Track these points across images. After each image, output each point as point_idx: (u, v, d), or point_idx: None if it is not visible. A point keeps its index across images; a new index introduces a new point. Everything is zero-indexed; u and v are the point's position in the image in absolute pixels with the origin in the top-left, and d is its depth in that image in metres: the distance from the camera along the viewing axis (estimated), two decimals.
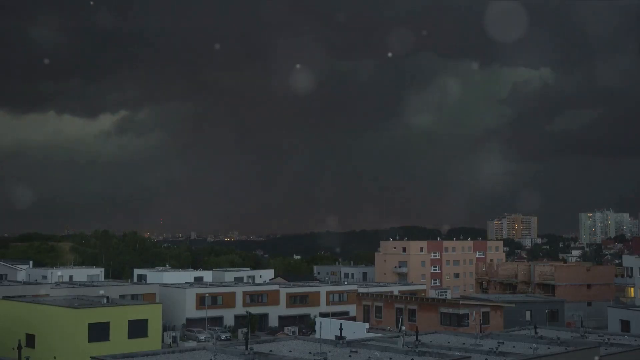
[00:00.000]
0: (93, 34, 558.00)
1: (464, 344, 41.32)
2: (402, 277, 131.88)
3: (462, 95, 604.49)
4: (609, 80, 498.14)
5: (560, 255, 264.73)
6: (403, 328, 57.27)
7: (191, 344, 74.08)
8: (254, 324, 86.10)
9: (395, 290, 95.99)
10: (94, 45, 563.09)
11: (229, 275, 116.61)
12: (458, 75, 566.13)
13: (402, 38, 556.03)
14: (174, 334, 78.57)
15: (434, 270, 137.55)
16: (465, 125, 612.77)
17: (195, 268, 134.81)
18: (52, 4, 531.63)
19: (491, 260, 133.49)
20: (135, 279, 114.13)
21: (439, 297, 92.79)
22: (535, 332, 45.07)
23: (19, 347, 46.13)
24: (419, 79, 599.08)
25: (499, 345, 39.40)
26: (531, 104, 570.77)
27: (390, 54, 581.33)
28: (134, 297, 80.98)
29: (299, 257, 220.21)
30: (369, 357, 35.14)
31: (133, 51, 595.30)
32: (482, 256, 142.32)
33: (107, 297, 63.25)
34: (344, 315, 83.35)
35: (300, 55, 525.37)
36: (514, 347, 40.29)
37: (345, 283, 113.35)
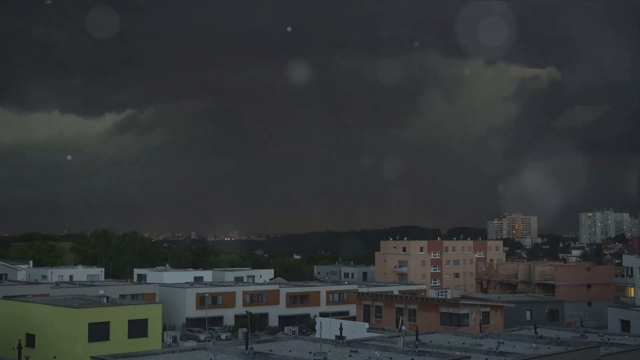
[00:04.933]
0: (98, 32, 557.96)
1: (464, 343, 41.34)
2: (402, 277, 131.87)
3: (466, 94, 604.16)
4: (614, 78, 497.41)
5: (560, 255, 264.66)
6: (403, 328, 57.28)
7: (191, 343, 74.11)
8: (254, 324, 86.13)
9: (395, 290, 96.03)
10: (98, 44, 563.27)
11: (229, 275, 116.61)
12: (462, 74, 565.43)
13: (407, 36, 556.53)
14: (174, 334, 78.55)
15: (434, 270, 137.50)
16: (468, 124, 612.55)
17: (195, 268, 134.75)
18: (56, 3, 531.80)
19: (491, 260, 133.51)
20: (135, 279, 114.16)
21: (439, 297, 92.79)
22: (535, 332, 45.10)
23: (19, 347, 46.16)
24: (422, 78, 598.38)
25: (499, 345, 39.43)
26: (535, 102, 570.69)
27: (393, 53, 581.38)
28: (134, 297, 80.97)
29: (299, 257, 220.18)
30: (369, 357, 35.15)
31: (138, 50, 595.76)
32: (482, 256, 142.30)
33: (107, 297, 63.15)
34: (344, 315, 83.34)
35: (304, 53, 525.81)
36: (514, 347, 40.32)
37: (345, 283, 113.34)
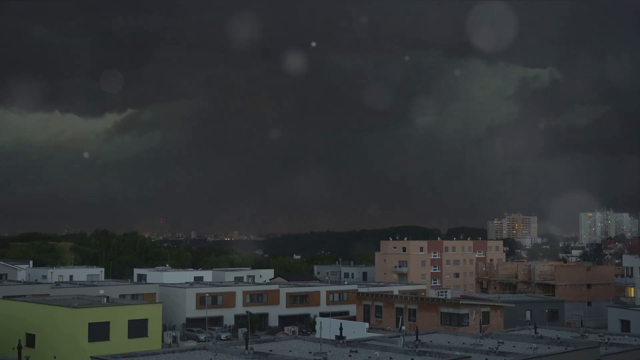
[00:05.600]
0: (99, 32, 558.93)
1: (464, 344, 41.34)
2: (402, 277, 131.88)
3: (466, 94, 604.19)
4: (614, 78, 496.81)
5: (560, 255, 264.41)
6: (403, 328, 57.29)
7: (191, 343, 74.06)
8: (254, 324, 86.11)
9: (395, 290, 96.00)
10: (99, 43, 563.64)
11: (229, 275, 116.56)
12: (463, 74, 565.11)
13: (407, 35, 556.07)
14: (174, 334, 78.58)
15: (434, 270, 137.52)
16: (468, 124, 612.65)
17: (195, 268, 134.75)
18: (57, 3, 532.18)
19: (491, 260, 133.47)
20: (135, 279, 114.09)
21: (439, 297, 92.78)
22: (535, 332, 45.10)
23: (19, 347, 46.12)
24: (422, 78, 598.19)
25: (499, 345, 39.44)
26: (536, 102, 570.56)
27: (393, 52, 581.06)
28: (134, 296, 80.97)
29: (299, 257, 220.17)
30: (369, 357, 35.14)
31: (139, 50, 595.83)
32: (482, 256, 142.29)
33: (107, 297, 63.21)
34: (344, 315, 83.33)
35: (303, 53, 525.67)
36: (514, 347, 40.32)
37: (345, 283, 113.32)
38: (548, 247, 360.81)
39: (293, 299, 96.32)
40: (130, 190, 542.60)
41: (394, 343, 39.44)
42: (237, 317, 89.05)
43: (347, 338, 41.74)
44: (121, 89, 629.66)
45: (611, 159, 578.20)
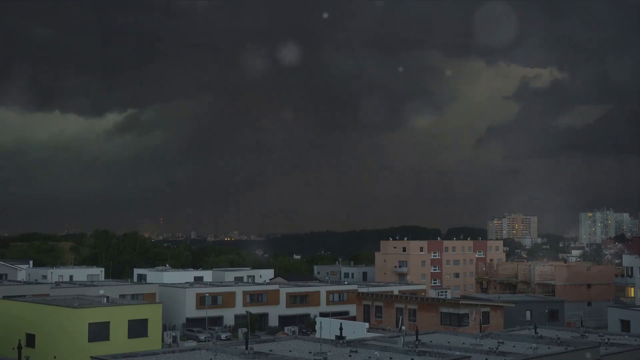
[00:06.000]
0: (99, 32, 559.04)
1: (464, 343, 41.33)
2: (402, 277, 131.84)
3: (466, 94, 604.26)
4: (615, 78, 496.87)
5: (560, 255, 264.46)
6: (403, 328, 57.31)
7: (191, 343, 74.08)
8: (254, 324, 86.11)
9: (395, 290, 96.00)
10: (100, 43, 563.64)
11: (229, 275, 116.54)
12: (463, 74, 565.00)
13: (408, 36, 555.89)
14: (174, 334, 78.57)
15: (434, 270, 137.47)
16: (469, 124, 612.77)
17: (195, 268, 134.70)
18: (57, 3, 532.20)
19: (491, 260, 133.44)
20: (135, 279, 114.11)
21: (439, 297, 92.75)
22: (535, 332, 45.10)
23: (19, 347, 46.12)
24: (423, 78, 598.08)
25: (499, 345, 39.44)
26: (536, 102, 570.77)
27: (394, 53, 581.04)
28: (134, 296, 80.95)
29: (299, 257, 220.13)
30: (369, 357, 35.14)
31: (139, 49, 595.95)
32: (482, 256, 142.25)
33: (107, 297, 63.19)
34: (344, 315, 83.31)
35: (304, 53, 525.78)
36: (514, 347, 40.31)
37: (345, 283, 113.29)
38: (548, 247, 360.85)
39: (293, 299, 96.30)
40: (130, 190, 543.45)
41: (394, 343, 39.43)
42: (237, 317, 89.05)
43: (347, 338, 41.75)
44: (121, 88, 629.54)
45: (611, 159, 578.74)
